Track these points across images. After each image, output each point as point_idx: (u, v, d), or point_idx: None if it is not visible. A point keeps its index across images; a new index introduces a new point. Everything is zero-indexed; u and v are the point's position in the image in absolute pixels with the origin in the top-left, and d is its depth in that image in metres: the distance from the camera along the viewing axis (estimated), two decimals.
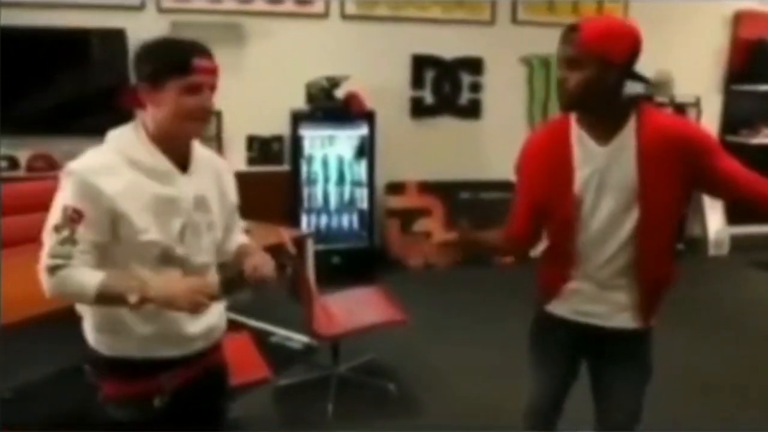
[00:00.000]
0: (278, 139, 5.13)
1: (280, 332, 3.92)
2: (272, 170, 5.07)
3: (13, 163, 4.61)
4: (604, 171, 1.74)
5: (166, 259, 1.53)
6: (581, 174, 1.76)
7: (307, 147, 4.96)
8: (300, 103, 4.89)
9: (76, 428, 2.71)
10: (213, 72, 1.51)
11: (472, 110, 5.60)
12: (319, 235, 4.63)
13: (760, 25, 6.05)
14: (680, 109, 5.77)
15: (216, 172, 1.68)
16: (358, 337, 3.12)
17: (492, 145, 5.51)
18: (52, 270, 1.43)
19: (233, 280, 1.76)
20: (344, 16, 5.18)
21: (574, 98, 1.69)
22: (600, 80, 1.64)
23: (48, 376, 3.28)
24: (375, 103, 4.95)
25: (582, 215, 1.78)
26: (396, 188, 5.42)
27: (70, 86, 4.62)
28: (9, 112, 4.46)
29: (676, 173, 1.71)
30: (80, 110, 4.50)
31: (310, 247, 3.82)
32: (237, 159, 4.95)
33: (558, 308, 1.92)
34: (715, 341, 4.01)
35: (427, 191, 5.48)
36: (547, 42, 5.49)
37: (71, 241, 1.43)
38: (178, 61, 1.45)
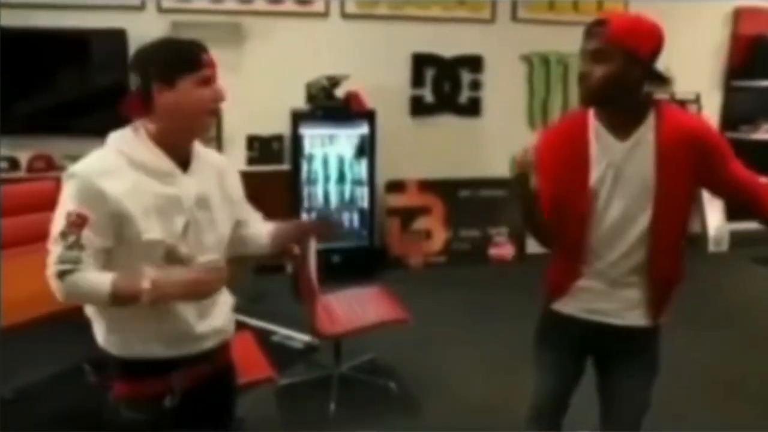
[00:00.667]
0: (278, 138, 5.12)
1: (281, 331, 3.92)
2: (273, 170, 5.06)
3: (14, 164, 4.61)
4: (620, 166, 1.73)
5: (171, 258, 1.54)
6: (597, 168, 1.75)
7: (308, 146, 4.96)
8: (300, 102, 4.89)
9: (77, 428, 2.73)
10: (215, 65, 1.58)
11: (473, 108, 5.58)
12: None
13: (760, 21, 6.04)
14: (680, 105, 5.76)
15: (217, 170, 1.69)
16: (359, 336, 3.12)
17: (492, 143, 5.49)
18: (62, 275, 1.43)
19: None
20: (344, 15, 5.17)
21: (597, 91, 1.68)
22: (625, 74, 1.64)
23: (49, 377, 3.28)
24: (375, 102, 4.95)
25: (596, 210, 1.77)
26: (396, 187, 5.42)
27: (70, 86, 4.64)
28: (9, 113, 4.46)
29: (690, 171, 1.71)
30: (80, 110, 4.51)
31: (312, 246, 3.80)
32: (237, 158, 4.95)
33: (566, 306, 1.91)
34: (715, 337, 4.01)
35: (427, 189, 5.47)
36: (548, 40, 5.58)
37: (78, 245, 1.43)
38: (189, 58, 1.52)
